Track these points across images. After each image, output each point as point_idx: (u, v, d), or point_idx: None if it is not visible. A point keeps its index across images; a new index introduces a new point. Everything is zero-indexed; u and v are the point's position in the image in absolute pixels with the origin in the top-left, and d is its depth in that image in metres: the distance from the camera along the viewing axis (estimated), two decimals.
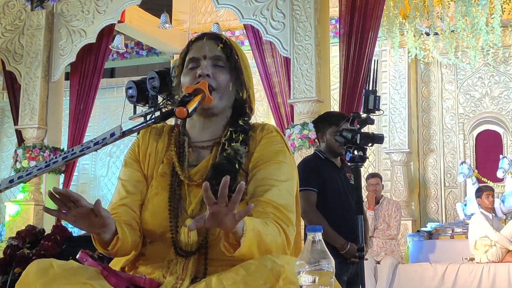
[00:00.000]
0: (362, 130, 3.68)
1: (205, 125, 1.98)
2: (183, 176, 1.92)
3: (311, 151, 6.45)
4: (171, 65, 1.94)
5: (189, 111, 1.71)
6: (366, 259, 3.94)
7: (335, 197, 4.04)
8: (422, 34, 9.05)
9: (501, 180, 8.75)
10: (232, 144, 1.91)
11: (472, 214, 7.89)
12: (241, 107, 2.00)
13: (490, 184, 8.70)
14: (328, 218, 3.96)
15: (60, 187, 8.28)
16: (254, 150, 1.94)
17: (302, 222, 4.33)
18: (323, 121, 4.25)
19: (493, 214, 7.53)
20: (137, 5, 8.41)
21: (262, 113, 10.40)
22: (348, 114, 4.37)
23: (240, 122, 1.97)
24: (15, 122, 8.44)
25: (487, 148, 9.45)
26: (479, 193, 7.50)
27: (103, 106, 11.46)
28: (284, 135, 6.89)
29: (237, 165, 1.88)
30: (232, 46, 1.99)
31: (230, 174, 1.83)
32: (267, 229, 1.75)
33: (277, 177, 1.88)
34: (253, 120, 2.05)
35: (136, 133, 1.86)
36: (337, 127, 4.04)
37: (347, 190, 4.09)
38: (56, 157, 1.75)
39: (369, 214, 7.10)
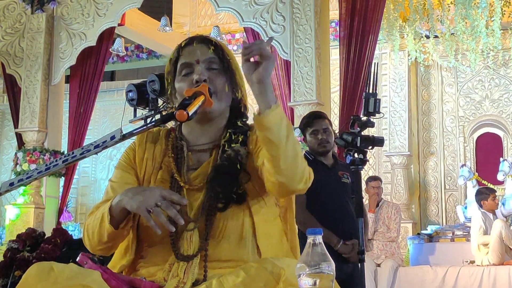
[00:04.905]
0: (362, 133, 3.69)
1: (203, 129, 1.98)
2: (182, 181, 1.92)
3: None
4: (166, 70, 1.95)
5: (190, 114, 1.71)
6: (349, 262, 3.92)
7: (327, 197, 4.00)
8: (422, 37, 9.05)
9: (501, 183, 8.75)
10: (232, 145, 1.91)
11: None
12: (237, 107, 2.01)
13: (487, 186, 8.71)
14: (322, 219, 3.91)
15: (60, 190, 8.36)
16: (253, 150, 1.94)
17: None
18: (301, 124, 4.28)
19: (496, 216, 7.53)
20: (137, 8, 8.42)
21: None
22: (320, 112, 4.41)
23: (239, 123, 1.97)
24: (15, 125, 8.45)
25: (487, 151, 9.45)
26: (485, 195, 7.45)
27: (103, 109, 11.46)
28: None
29: (238, 166, 1.88)
30: (223, 47, 1.99)
31: (232, 175, 1.84)
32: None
33: None
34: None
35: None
36: (311, 127, 4.09)
37: (340, 189, 4.05)
38: (56, 160, 1.76)
39: (370, 216, 7.10)
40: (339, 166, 4.16)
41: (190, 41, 2.00)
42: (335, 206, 4.01)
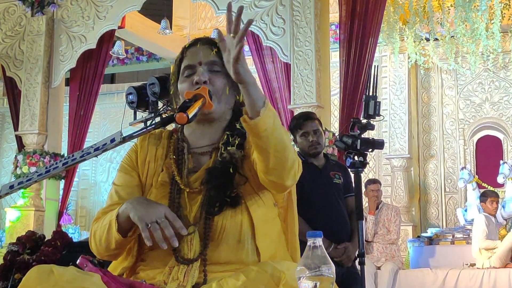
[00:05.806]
0: (362, 136, 3.69)
1: (204, 131, 1.98)
2: (183, 184, 1.92)
3: None
4: (171, 71, 1.96)
5: (189, 117, 1.70)
6: (342, 266, 3.88)
7: (318, 199, 3.93)
8: (422, 39, 9.05)
9: (501, 185, 8.74)
10: (228, 148, 1.91)
11: (473, 220, 7.87)
12: (239, 109, 2.00)
13: (491, 189, 8.70)
14: (313, 221, 3.82)
15: (61, 193, 8.35)
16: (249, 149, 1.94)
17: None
18: (291, 125, 4.20)
19: (496, 219, 7.52)
20: (137, 10, 8.42)
21: None
22: (310, 113, 4.36)
23: (238, 126, 1.96)
24: (15, 128, 8.44)
25: (487, 153, 9.45)
26: (483, 197, 7.47)
27: (103, 112, 11.47)
28: None
29: (231, 169, 1.87)
30: None
31: (225, 179, 1.84)
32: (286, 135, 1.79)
33: None
34: None
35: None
36: (301, 129, 4.03)
37: (331, 191, 4.00)
38: (56, 163, 1.75)
39: (370, 218, 7.10)
40: (331, 166, 4.10)
41: (195, 42, 2.01)
42: (326, 208, 3.94)
